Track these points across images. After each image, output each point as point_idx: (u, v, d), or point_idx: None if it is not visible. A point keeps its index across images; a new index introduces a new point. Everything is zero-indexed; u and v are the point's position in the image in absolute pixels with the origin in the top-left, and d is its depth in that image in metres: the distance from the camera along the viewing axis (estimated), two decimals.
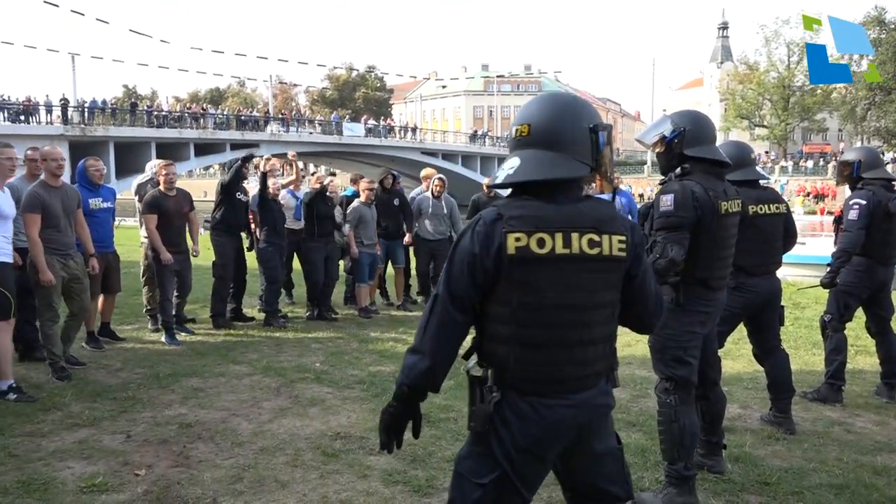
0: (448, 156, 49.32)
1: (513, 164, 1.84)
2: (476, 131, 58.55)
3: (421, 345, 1.81)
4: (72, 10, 32.85)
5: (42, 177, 5.27)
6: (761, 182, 4.21)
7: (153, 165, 7.19)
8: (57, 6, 32.46)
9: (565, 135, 1.83)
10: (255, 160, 7.91)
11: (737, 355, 5.88)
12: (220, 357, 5.88)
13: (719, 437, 3.57)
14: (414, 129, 52.07)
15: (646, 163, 52.77)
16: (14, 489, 3.27)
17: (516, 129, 1.91)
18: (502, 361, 1.80)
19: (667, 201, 3.02)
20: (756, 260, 4.01)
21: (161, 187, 6.50)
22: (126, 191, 12.86)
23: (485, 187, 8.34)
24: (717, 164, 3.19)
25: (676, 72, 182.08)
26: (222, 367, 5.58)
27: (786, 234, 4.18)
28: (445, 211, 8.18)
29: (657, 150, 3.24)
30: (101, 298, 6.17)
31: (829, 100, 51.30)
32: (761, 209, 4.01)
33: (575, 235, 1.78)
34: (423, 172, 8.85)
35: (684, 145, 3.14)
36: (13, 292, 4.76)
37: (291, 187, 7.87)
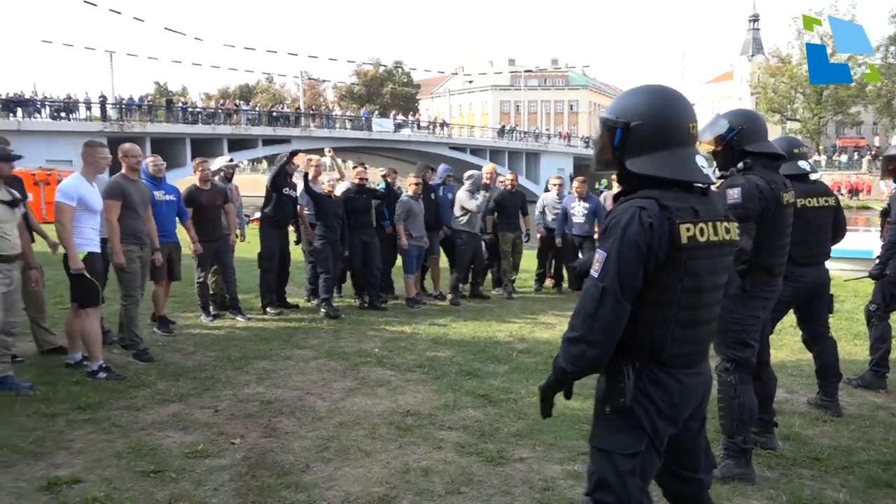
0: (476, 151, 49.54)
1: (702, 163, 2.02)
2: (504, 126, 58.66)
3: (591, 335, 1.89)
4: (110, 10, 33.60)
5: (122, 170, 5.65)
6: (811, 176, 4.40)
7: (223, 160, 7.67)
8: (95, 5, 33.26)
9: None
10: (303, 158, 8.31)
11: (779, 345, 6.06)
12: (283, 342, 6.22)
13: (771, 416, 3.80)
14: (443, 125, 52.29)
15: None
16: (126, 454, 3.63)
17: (691, 125, 2.02)
18: (658, 342, 1.94)
19: (734, 194, 3.24)
20: (805, 251, 4.18)
21: (197, 182, 7.03)
22: None
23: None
24: (774, 157, 3.44)
25: (706, 65, 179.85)
26: (287, 351, 5.92)
27: (835, 226, 4.35)
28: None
29: (713, 148, 3.47)
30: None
31: (864, 93, 50.47)
32: (810, 202, 4.19)
33: (718, 224, 1.99)
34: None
35: (744, 142, 3.37)
36: (101, 280, 5.13)
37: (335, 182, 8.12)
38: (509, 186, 9.02)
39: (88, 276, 4.97)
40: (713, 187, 2.14)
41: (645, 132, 1.96)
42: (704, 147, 3.53)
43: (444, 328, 6.96)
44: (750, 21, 71.89)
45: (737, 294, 3.31)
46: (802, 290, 4.28)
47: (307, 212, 7.87)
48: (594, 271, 1.92)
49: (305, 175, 7.87)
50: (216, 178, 7.38)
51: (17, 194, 4.79)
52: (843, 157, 49.42)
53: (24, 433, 3.87)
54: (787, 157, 4.15)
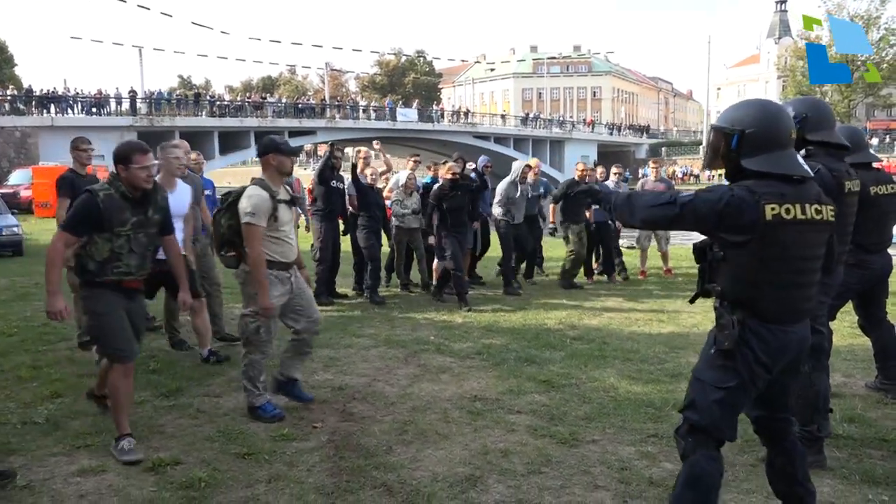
0: (500, 139, 49.46)
1: (801, 161, 2.50)
2: (527, 114, 58.44)
3: (640, 214, 2.57)
4: (138, 6, 34.02)
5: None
6: (874, 164, 4.44)
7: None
8: (125, 1, 33.81)
9: None
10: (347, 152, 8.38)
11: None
12: (340, 331, 6.40)
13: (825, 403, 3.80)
14: (466, 114, 52.26)
15: (701, 143, 52.05)
16: (217, 438, 3.82)
17: (791, 132, 2.49)
18: (756, 299, 2.40)
19: None
20: (875, 238, 4.25)
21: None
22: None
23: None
24: (838, 146, 3.51)
25: (731, 49, 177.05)
26: (346, 339, 6.09)
27: None
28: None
29: None
30: None
31: None
32: (881, 189, 4.22)
33: (806, 206, 2.40)
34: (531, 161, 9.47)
35: (806, 131, 3.44)
36: (194, 275, 5.17)
37: (384, 176, 8.31)
38: (579, 175, 8.84)
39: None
40: None
41: (758, 138, 2.42)
42: None
43: (493, 316, 7.10)
44: (777, 3, 70.67)
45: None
46: (870, 277, 4.33)
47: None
48: (676, 196, 2.47)
49: (353, 166, 8.01)
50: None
51: (297, 193, 4.75)
52: (875, 140, 48.49)
53: None
54: (854, 147, 4.24)
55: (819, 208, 2.43)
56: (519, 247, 8.80)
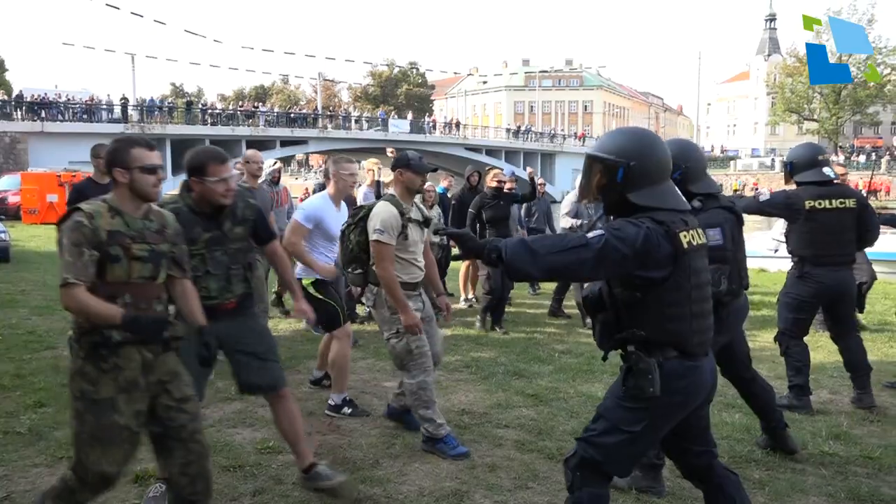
0: (492, 151, 49.65)
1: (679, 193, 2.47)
2: (519, 127, 58.74)
3: (543, 261, 2.21)
4: (132, 13, 34.05)
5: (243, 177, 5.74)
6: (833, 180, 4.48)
7: (267, 164, 7.42)
8: (118, 8, 33.78)
9: None
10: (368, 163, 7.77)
11: (816, 346, 6.13)
12: None
13: (778, 422, 3.78)
14: (458, 125, 52.44)
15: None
16: None
17: (670, 162, 2.42)
18: (682, 335, 2.28)
19: (716, 236, 3.18)
20: (815, 250, 4.38)
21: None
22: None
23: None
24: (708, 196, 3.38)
25: (721, 65, 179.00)
26: None
27: (861, 228, 4.44)
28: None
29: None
30: None
31: (883, 92, 50.14)
32: (821, 203, 4.32)
33: (697, 231, 2.36)
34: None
35: (688, 183, 3.25)
36: (339, 301, 4.54)
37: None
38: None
39: (323, 297, 4.38)
40: None
41: (643, 170, 2.31)
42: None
43: (480, 330, 7.09)
44: (766, 21, 71.61)
45: (797, 275, 3.78)
46: (822, 291, 4.45)
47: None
48: (590, 234, 2.21)
49: (378, 183, 7.31)
50: (263, 182, 7.41)
51: (428, 213, 4.20)
52: (862, 158, 49.06)
53: None
54: (809, 164, 4.41)
55: (701, 233, 2.39)
56: None
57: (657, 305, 2.26)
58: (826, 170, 4.40)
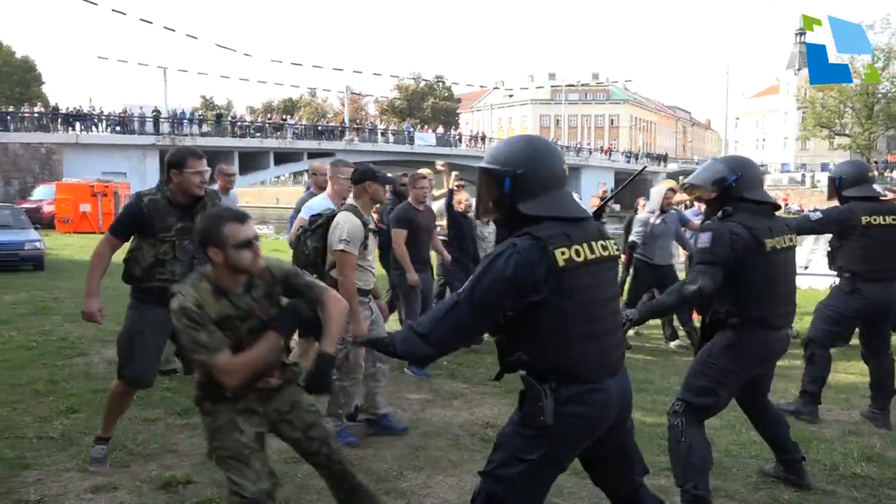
0: None
1: (577, 199, 2.32)
2: None
3: (433, 336, 2.14)
4: (164, 27, 34.81)
5: (310, 189, 5.93)
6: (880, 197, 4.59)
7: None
8: (151, 23, 34.59)
9: None
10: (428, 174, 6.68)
11: (849, 367, 6.05)
12: None
13: (793, 454, 3.56)
14: (483, 138, 52.61)
15: None
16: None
17: (564, 167, 2.30)
18: (571, 360, 2.12)
19: (704, 239, 3.17)
20: (868, 266, 4.38)
21: (411, 201, 5.93)
22: None
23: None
24: (765, 203, 3.30)
25: (750, 79, 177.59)
26: None
27: None
28: None
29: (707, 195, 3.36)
30: None
31: None
32: (875, 219, 4.36)
33: (593, 244, 2.19)
34: None
35: (742, 190, 3.23)
36: None
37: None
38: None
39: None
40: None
41: (531, 178, 2.19)
42: (698, 194, 3.38)
43: None
44: (797, 34, 70.70)
45: (727, 344, 3.22)
46: (869, 306, 4.45)
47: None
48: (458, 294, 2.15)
49: (450, 192, 6.90)
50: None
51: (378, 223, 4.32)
52: (895, 174, 48.13)
53: (130, 436, 4.10)
54: (856, 181, 4.48)
55: (604, 244, 2.23)
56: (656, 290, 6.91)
57: (536, 329, 2.11)
58: (875, 186, 4.45)
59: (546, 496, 2.29)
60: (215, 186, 6.18)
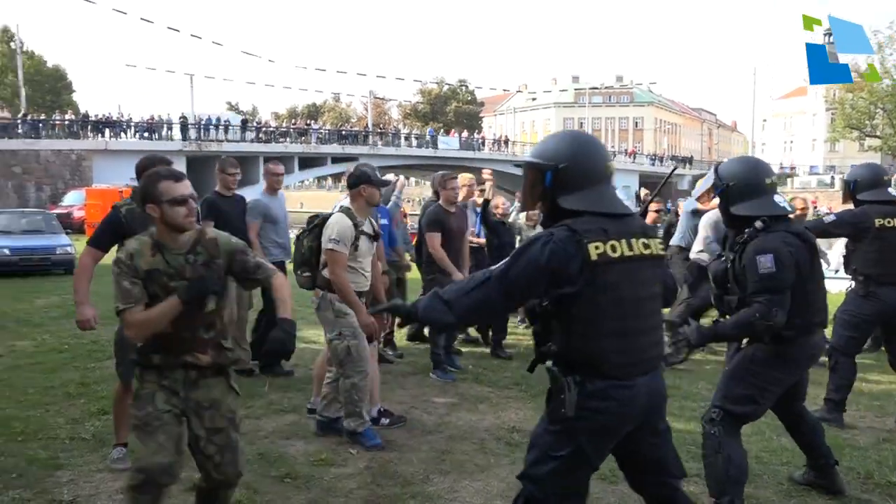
0: None
1: (622, 195, 2.26)
2: None
3: (458, 305, 2.17)
4: (191, 35, 35.34)
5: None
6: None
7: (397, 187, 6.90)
8: (178, 31, 35.11)
9: None
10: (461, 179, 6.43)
11: (881, 374, 5.93)
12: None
13: (827, 458, 3.48)
14: (506, 142, 52.55)
15: None
16: (256, 460, 3.86)
17: (607, 165, 2.31)
18: (597, 355, 2.13)
19: (767, 263, 2.94)
20: (882, 269, 4.34)
21: (442, 202, 5.83)
22: None
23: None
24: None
25: (777, 80, 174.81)
26: (383, 366, 6.08)
27: None
28: None
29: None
30: None
31: None
32: (888, 222, 4.34)
33: (633, 241, 2.18)
34: None
35: (858, 191, 3.31)
36: None
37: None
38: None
39: None
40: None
41: (573, 173, 2.20)
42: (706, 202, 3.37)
43: (532, 346, 7.03)
44: (825, 35, 69.58)
45: (776, 353, 3.09)
46: (884, 310, 4.39)
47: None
48: (495, 266, 2.19)
49: (486, 202, 6.68)
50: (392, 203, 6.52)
51: (378, 228, 4.45)
52: None
53: None
54: (871, 184, 4.49)
55: (647, 242, 2.22)
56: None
57: (567, 321, 2.14)
58: (891, 189, 4.42)
59: (585, 498, 2.29)
60: (262, 187, 6.27)
